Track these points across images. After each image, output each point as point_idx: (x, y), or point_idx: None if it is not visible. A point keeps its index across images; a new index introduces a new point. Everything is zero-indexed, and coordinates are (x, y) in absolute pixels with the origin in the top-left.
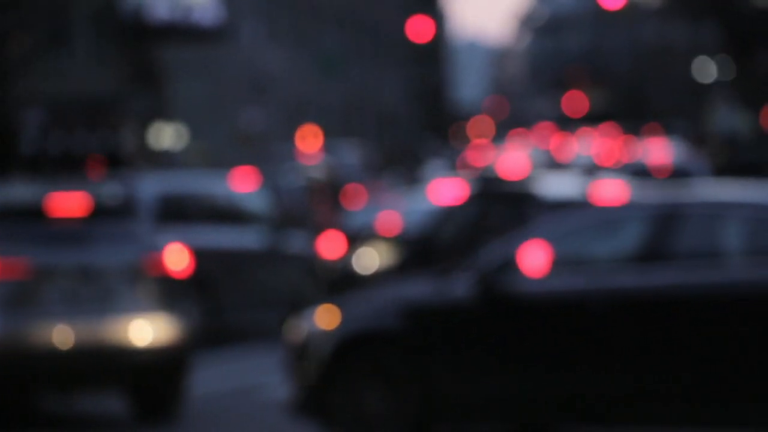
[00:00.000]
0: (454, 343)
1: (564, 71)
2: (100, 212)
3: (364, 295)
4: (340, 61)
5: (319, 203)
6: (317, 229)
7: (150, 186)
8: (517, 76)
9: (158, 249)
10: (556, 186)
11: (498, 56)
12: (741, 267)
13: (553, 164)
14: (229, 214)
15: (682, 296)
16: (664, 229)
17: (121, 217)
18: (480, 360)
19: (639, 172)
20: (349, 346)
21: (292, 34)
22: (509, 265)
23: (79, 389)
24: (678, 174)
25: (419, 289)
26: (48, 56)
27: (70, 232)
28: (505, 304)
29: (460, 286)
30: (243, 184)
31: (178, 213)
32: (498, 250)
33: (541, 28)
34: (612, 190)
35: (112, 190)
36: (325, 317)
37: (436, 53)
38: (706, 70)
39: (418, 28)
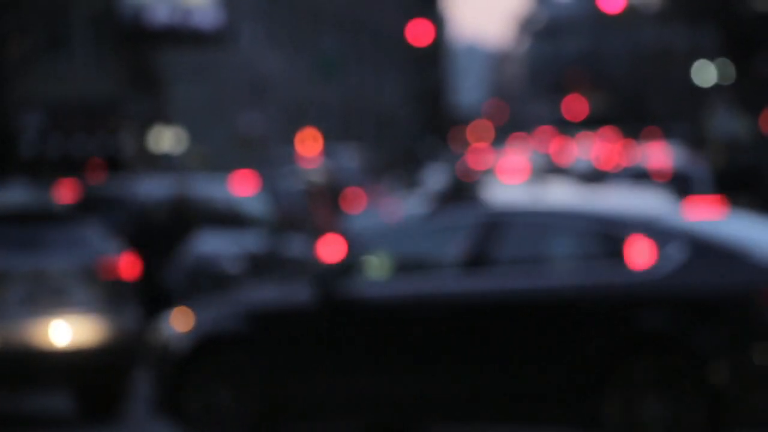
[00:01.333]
0: (297, 345)
1: (563, 75)
2: (53, 217)
3: (217, 298)
4: (339, 64)
5: (318, 207)
6: (317, 233)
7: (149, 190)
8: (516, 79)
9: (109, 253)
10: (506, 192)
11: (497, 60)
12: (561, 274)
13: (553, 168)
14: (228, 218)
15: (504, 301)
16: (490, 235)
17: (73, 222)
18: (320, 362)
19: (639, 176)
20: (200, 348)
21: (291, 38)
22: (348, 270)
23: (30, 389)
24: (678, 178)
25: (267, 293)
26: (47, 59)
27: (26, 236)
28: (343, 308)
29: (302, 290)
30: (242, 187)
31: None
32: (338, 256)
33: (540, 32)
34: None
35: (65, 196)
36: (181, 319)
37: (436, 57)
38: (706, 73)
39: (418, 32)
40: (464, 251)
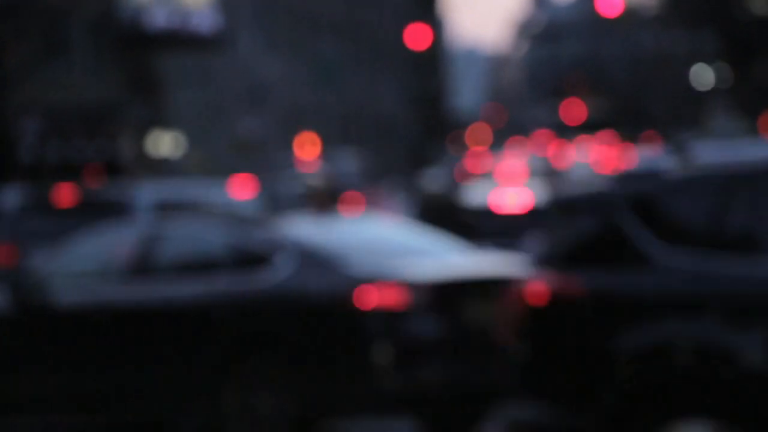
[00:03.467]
0: None
1: (562, 79)
2: None
3: None
4: (338, 69)
5: (317, 211)
6: None
7: (147, 194)
8: (515, 83)
9: None
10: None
11: (496, 64)
12: (199, 284)
13: (551, 172)
14: None
15: (152, 308)
16: (150, 247)
17: None
18: (15, 365)
19: None
20: None
21: (289, 43)
22: (41, 279)
23: None
24: None
25: None
26: (46, 65)
27: None
28: (34, 314)
29: (2, 297)
30: (241, 191)
31: None
32: (34, 264)
33: (538, 36)
34: (514, 200)
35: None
36: None
37: (434, 61)
38: (704, 77)
39: (416, 36)
40: (128, 261)
